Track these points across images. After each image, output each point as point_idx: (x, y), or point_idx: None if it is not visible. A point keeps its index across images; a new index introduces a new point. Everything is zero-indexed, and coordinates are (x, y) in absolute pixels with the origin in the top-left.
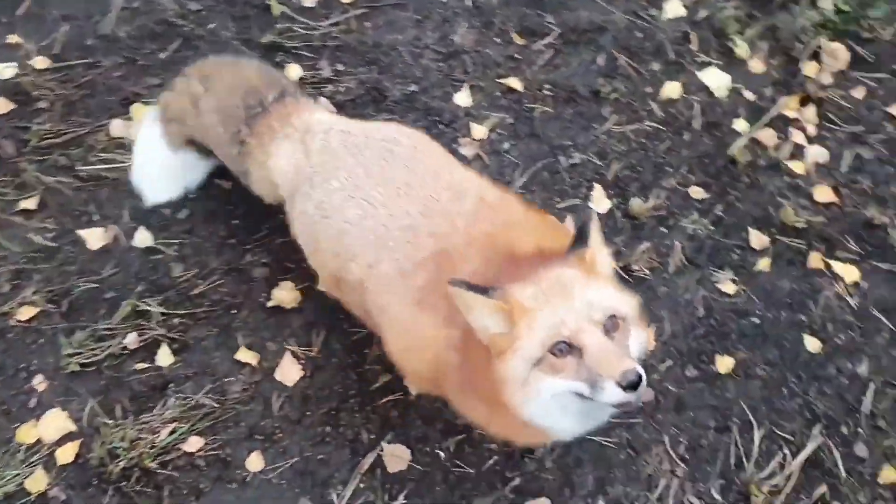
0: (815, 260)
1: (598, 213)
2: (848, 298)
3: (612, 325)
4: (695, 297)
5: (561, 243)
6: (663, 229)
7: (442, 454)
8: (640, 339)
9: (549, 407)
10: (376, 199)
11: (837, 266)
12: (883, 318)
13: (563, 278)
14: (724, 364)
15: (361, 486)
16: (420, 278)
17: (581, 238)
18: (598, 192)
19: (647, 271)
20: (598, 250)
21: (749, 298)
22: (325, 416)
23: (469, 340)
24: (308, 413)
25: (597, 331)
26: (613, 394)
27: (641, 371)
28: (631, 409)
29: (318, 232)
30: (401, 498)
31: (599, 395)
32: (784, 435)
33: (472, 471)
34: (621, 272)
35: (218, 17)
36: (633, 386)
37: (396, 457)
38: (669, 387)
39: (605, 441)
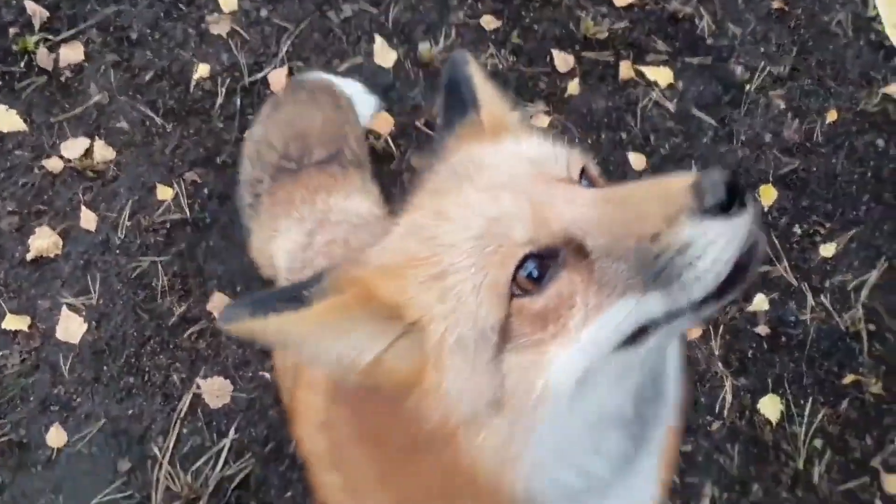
0: (625, 70)
1: (383, 67)
2: (666, 104)
3: (592, 186)
4: None
5: None
6: None
7: (267, 375)
8: None
9: (575, 433)
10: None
11: (649, 71)
12: (704, 116)
13: (457, 163)
14: None
15: (185, 431)
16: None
17: (458, 97)
18: (379, 44)
19: None
20: (498, 108)
21: (564, 127)
22: (124, 367)
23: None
24: (104, 368)
25: (571, 190)
26: (718, 240)
27: (721, 172)
28: (754, 267)
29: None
30: (231, 433)
31: (692, 279)
32: None
33: None
34: (430, 130)
35: None
36: (730, 200)
37: (216, 391)
38: None
39: None
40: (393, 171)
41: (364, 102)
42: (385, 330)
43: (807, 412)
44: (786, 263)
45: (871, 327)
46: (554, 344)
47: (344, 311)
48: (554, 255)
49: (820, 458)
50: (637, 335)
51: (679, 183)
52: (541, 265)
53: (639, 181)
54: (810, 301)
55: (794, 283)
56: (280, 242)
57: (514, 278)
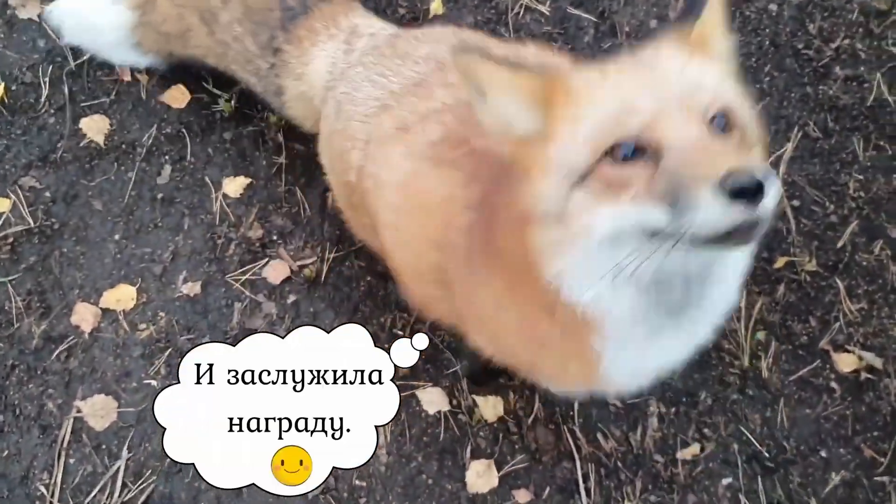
0: None
1: None
2: (539, 7)
3: (725, 126)
4: None
5: None
6: None
7: (154, 382)
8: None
9: (592, 259)
10: (390, 71)
11: None
12: (581, 13)
13: (647, 57)
14: None
15: (71, 461)
16: (433, 132)
17: (691, 10)
18: None
19: None
20: (714, 28)
21: None
22: None
23: (489, 198)
24: None
25: (694, 122)
26: (711, 211)
27: (762, 173)
28: (747, 235)
29: (332, 133)
30: (124, 453)
31: (689, 222)
32: None
33: None
34: None
35: None
36: (745, 193)
37: (99, 411)
38: None
39: None
40: None
41: None
42: (538, 121)
43: (743, 304)
44: None
45: (796, 203)
46: (606, 202)
47: (530, 92)
48: (643, 150)
49: (765, 351)
50: (653, 234)
51: (729, 162)
52: (635, 152)
53: (728, 146)
54: None
55: None
56: (316, 64)
57: (611, 148)
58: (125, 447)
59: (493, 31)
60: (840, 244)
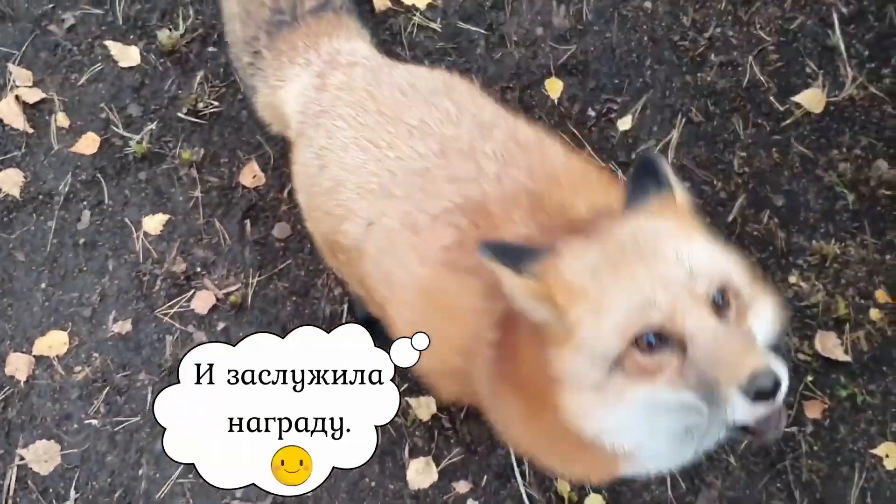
0: (380, 1)
1: (126, 67)
2: (431, 25)
3: (723, 301)
4: None
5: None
6: (211, 49)
7: (95, 422)
8: (765, 316)
9: (633, 422)
10: (383, 141)
11: None
12: (472, 27)
13: (640, 234)
14: None
15: None
16: (446, 235)
17: (651, 176)
18: (115, 47)
19: (216, 103)
20: (681, 195)
21: None
22: None
23: (514, 317)
24: None
25: (704, 310)
26: (741, 409)
27: (780, 370)
28: (766, 437)
29: (314, 185)
30: (72, 494)
31: (718, 412)
32: None
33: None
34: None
35: None
36: (766, 395)
37: (42, 456)
38: None
39: None
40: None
41: None
42: (549, 312)
43: None
44: (589, 149)
45: (687, 185)
46: (645, 383)
47: (536, 293)
48: (667, 339)
49: None
50: (692, 407)
51: (751, 362)
52: (658, 339)
53: (740, 335)
54: (621, 177)
55: (602, 164)
56: (290, 88)
57: (637, 338)
58: (72, 488)
59: (389, 52)
60: (731, 218)
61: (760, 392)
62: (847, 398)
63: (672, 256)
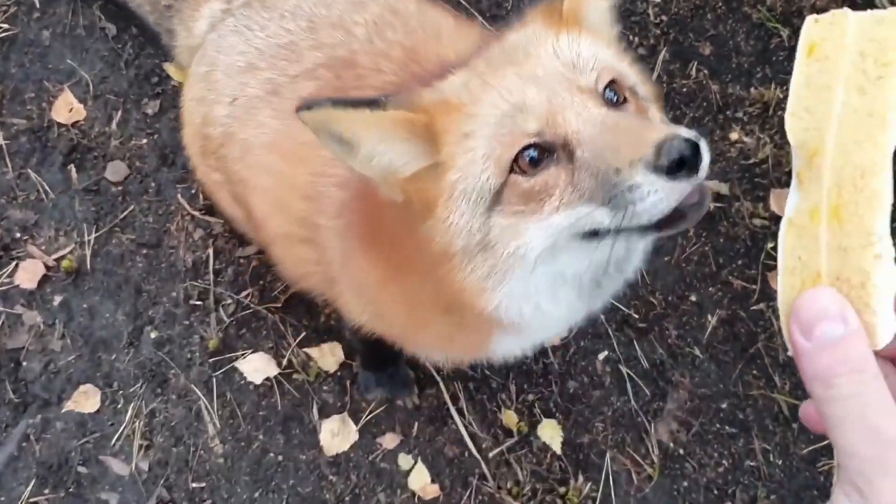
0: None
1: None
2: None
3: (617, 98)
4: None
5: None
6: None
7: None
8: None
9: (541, 285)
10: (256, 24)
11: None
12: None
13: (516, 42)
14: None
15: None
16: (305, 89)
17: None
18: None
19: (6, 25)
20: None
21: None
22: None
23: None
24: None
25: (590, 102)
26: (653, 195)
27: (689, 133)
28: (689, 217)
29: (195, 78)
30: None
31: (630, 214)
32: None
33: None
34: None
35: None
36: (683, 163)
37: None
38: None
39: None
40: None
41: None
42: (427, 153)
43: None
44: (481, 19)
45: None
46: (530, 218)
47: (406, 125)
48: (551, 150)
49: None
50: (592, 234)
51: (653, 135)
52: (539, 154)
53: (637, 118)
54: None
55: (494, 32)
56: (201, 24)
57: (516, 158)
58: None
59: None
60: (655, 75)
61: (676, 162)
62: None
63: (548, 53)
